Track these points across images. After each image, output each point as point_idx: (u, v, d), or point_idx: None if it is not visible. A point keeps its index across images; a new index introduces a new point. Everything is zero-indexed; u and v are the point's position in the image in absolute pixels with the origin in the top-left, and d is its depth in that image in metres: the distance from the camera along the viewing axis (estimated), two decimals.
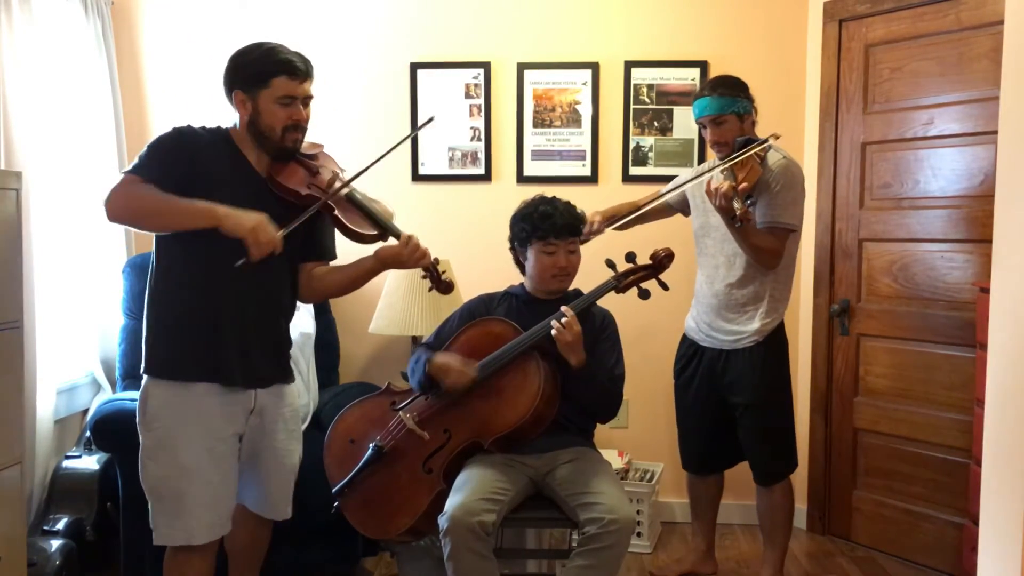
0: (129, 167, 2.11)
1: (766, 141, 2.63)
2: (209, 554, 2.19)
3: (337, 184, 2.21)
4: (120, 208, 2.07)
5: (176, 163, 2.10)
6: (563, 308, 2.38)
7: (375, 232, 2.25)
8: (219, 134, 2.21)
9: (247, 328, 2.17)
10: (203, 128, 2.21)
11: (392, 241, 2.26)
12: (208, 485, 2.13)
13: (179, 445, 2.11)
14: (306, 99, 2.19)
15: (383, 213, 2.29)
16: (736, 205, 2.43)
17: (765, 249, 2.64)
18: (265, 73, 2.12)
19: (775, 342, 2.78)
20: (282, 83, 2.12)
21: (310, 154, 2.28)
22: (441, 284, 2.33)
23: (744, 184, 2.47)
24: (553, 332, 2.34)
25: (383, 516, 2.39)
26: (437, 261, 2.31)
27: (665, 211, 2.96)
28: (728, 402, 2.81)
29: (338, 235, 2.32)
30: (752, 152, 2.56)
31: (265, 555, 2.44)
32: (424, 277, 2.33)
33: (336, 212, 2.19)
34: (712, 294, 2.81)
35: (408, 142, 3.61)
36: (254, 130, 2.17)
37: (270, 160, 2.21)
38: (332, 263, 2.39)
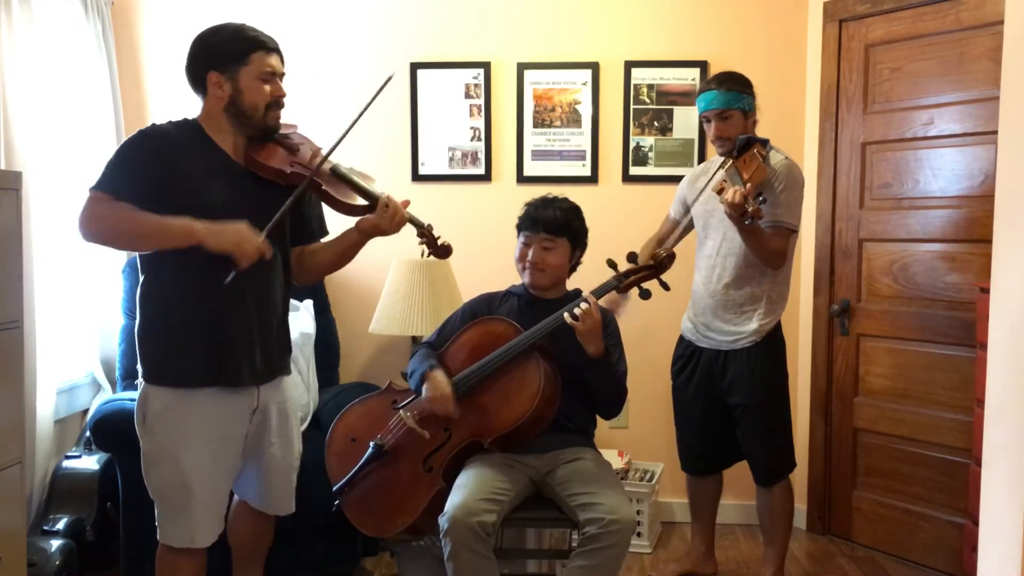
0: (96, 181, 2.02)
1: (767, 141, 2.63)
2: (199, 552, 2.18)
3: (319, 158, 2.17)
4: (93, 231, 2.02)
5: (146, 169, 2.03)
6: (585, 294, 2.38)
7: (366, 203, 2.21)
8: (188, 126, 2.15)
9: (249, 326, 2.14)
10: (170, 123, 2.15)
11: None
12: (211, 488, 2.13)
13: (181, 450, 2.09)
14: (281, 75, 2.16)
15: (365, 180, 2.26)
16: (748, 207, 2.43)
17: (773, 250, 2.65)
18: (242, 50, 2.09)
19: (773, 342, 2.78)
20: (260, 58, 2.10)
21: (286, 133, 2.24)
22: (438, 248, 2.29)
23: (751, 184, 2.47)
24: (569, 320, 2.32)
25: (383, 514, 2.40)
26: (431, 226, 2.28)
27: (682, 231, 2.94)
28: (726, 403, 2.81)
29: (328, 211, 2.29)
30: (754, 152, 2.57)
31: (268, 549, 2.44)
32: (421, 243, 2.29)
33: (324, 187, 2.16)
34: (709, 294, 2.80)
35: (408, 142, 3.62)
36: (234, 111, 2.11)
37: (247, 144, 2.16)
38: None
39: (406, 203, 2.23)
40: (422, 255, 2.33)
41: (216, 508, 2.17)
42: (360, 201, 2.21)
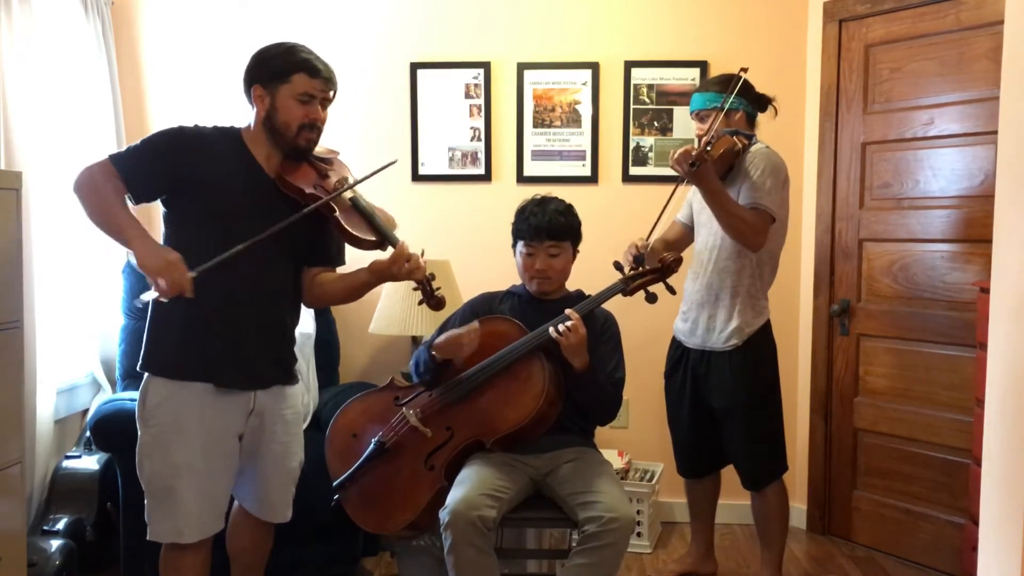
0: (116, 153, 2.12)
1: (751, 136, 2.65)
2: (202, 552, 2.18)
3: (342, 187, 2.20)
4: (82, 190, 2.09)
5: (164, 163, 2.09)
6: (568, 311, 2.37)
7: (374, 239, 2.23)
8: (229, 133, 2.21)
9: (243, 328, 2.16)
10: (214, 128, 2.21)
11: (390, 251, 2.23)
12: (200, 484, 2.13)
13: (173, 443, 2.11)
14: (324, 100, 2.19)
15: (386, 221, 2.28)
16: (692, 152, 2.46)
17: (744, 219, 2.60)
18: (286, 69, 2.13)
19: (757, 346, 2.75)
20: (302, 80, 2.13)
21: (323, 158, 2.28)
22: (432, 299, 2.27)
23: (706, 139, 2.54)
24: (556, 335, 2.33)
25: (383, 511, 2.40)
26: (433, 276, 2.28)
27: (684, 231, 2.96)
28: (710, 406, 2.81)
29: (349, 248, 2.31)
30: (727, 136, 2.62)
31: (267, 558, 2.44)
32: (415, 289, 2.28)
33: (337, 214, 2.18)
34: (695, 289, 2.81)
35: (408, 142, 3.62)
36: (269, 126, 2.16)
37: (281, 159, 2.20)
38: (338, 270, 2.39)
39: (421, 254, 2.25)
40: (419, 303, 2.31)
41: (209, 505, 2.16)
42: (370, 236, 2.22)
